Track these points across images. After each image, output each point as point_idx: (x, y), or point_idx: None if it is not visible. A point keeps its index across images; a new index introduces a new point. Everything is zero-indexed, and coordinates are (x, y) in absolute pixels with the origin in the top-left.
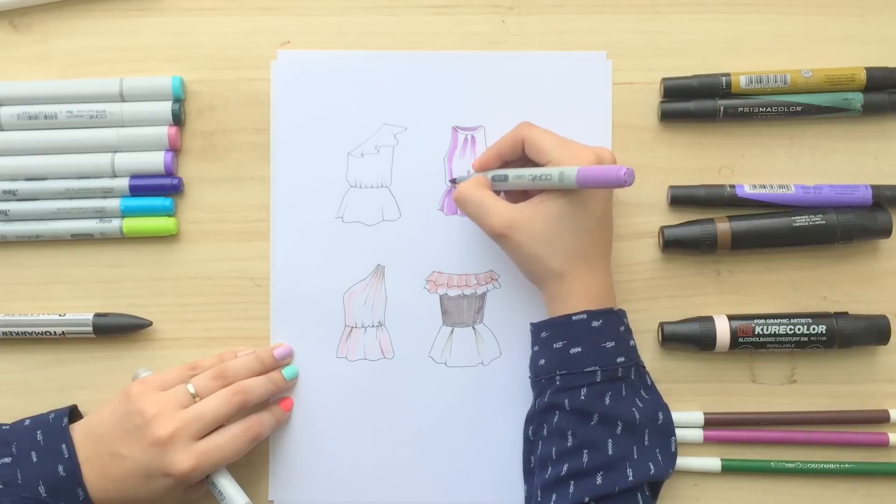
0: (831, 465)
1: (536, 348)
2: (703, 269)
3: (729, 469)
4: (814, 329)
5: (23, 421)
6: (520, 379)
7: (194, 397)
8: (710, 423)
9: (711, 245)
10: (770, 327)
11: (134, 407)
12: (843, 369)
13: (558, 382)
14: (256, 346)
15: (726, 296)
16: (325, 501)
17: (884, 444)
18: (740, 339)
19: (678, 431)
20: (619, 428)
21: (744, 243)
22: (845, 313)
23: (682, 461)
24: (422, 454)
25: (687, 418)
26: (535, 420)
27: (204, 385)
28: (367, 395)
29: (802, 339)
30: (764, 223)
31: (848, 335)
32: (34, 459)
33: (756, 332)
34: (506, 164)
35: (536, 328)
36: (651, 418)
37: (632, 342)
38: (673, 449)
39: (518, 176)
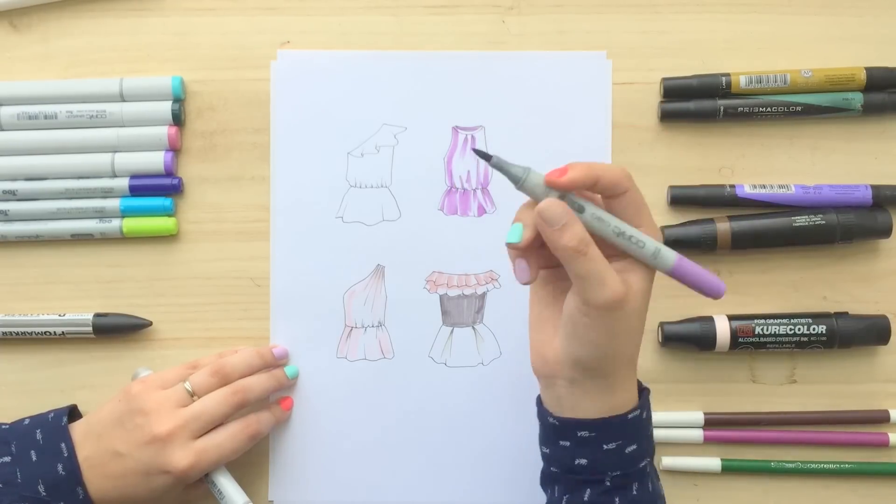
0: (831, 465)
1: (567, 444)
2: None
3: (729, 469)
4: (814, 329)
5: (22, 420)
6: (519, 379)
7: (192, 395)
8: (710, 423)
9: (711, 245)
10: (770, 327)
11: (133, 406)
12: (843, 369)
13: (608, 483)
14: (256, 346)
15: (726, 296)
16: (325, 501)
17: (884, 444)
18: (740, 339)
19: (678, 432)
20: None
21: (744, 243)
22: (845, 313)
23: (682, 461)
24: (422, 454)
25: (687, 418)
26: None
27: (201, 382)
28: (367, 395)
29: (802, 339)
30: (764, 223)
31: (848, 335)
32: (33, 458)
33: (756, 332)
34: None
35: (569, 425)
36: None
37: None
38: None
39: (599, 219)
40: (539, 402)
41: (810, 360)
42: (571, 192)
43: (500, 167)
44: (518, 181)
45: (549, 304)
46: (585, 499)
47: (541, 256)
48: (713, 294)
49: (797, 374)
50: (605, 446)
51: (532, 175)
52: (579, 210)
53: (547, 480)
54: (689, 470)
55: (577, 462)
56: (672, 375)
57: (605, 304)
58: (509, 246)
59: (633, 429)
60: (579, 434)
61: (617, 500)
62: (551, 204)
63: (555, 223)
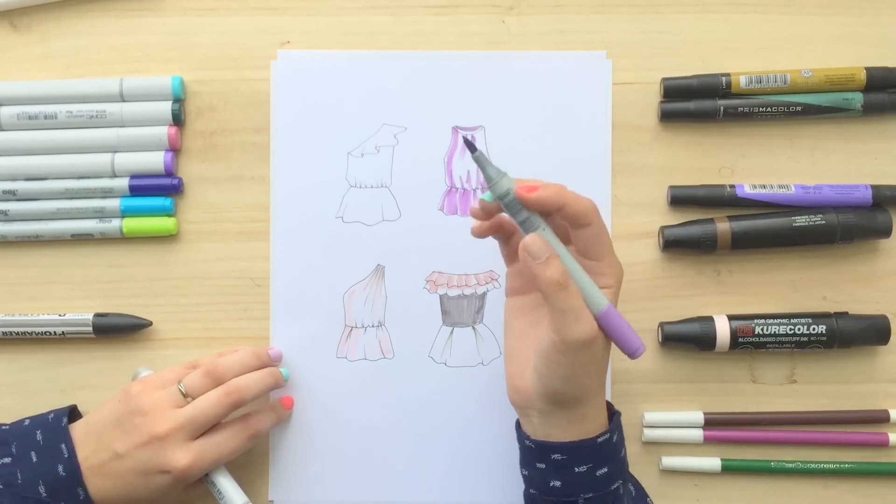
0: (831, 465)
1: (542, 466)
2: (703, 269)
3: (729, 469)
4: (814, 329)
5: (22, 421)
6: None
7: (185, 396)
8: (710, 423)
9: (711, 245)
10: (770, 327)
11: (132, 406)
12: (843, 369)
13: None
14: (256, 346)
15: (726, 296)
16: (325, 501)
17: (884, 444)
18: (740, 339)
19: (678, 432)
20: None
21: (744, 243)
22: (845, 313)
23: (682, 461)
24: (421, 454)
25: (687, 418)
26: None
27: (194, 383)
28: (367, 395)
29: (802, 339)
30: (764, 223)
31: (848, 335)
32: (34, 459)
33: (756, 332)
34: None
35: (542, 448)
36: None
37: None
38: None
39: (560, 250)
40: (517, 425)
41: (810, 360)
42: (536, 211)
43: (480, 163)
44: (490, 181)
45: (520, 336)
46: None
47: (515, 280)
48: (629, 352)
49: (797, 374)
50: (576, 469)
51: (504, 180)
52: (534, 227)
53: (528, 502)
54: (689, 470)
55: (551, 484)
56: (672, 375)
57: (579, 339)
58: (481, 203)
59: (603, 452)
60: (552, 457)
61: None
62: (535, 239)
63: (538, 257)
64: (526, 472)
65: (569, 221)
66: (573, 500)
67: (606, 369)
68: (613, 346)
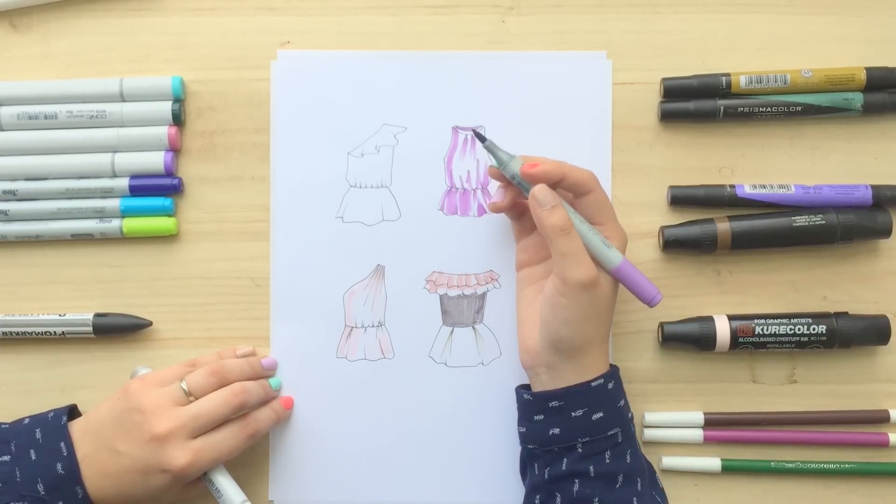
0: (831, 465)
1: (541, 417)
2: (703, 269)
3: (729, 469)
4: (814, 329)
5: (22, 420)
6: (519, 379)
7: (188, 395)
8: (710, 423)
9: (711, 245)
10: (770, 327)
11: (132, 403)
12: (843, 369)
13: (580, 450)
14: (256, 345)
15: (726, 296)
16: (325, 501)
17: (884, 444)
18: (740, 339)
19: (678, 432)
20: (640, 483)
21: (744, 243)
22: (845, 313)
23: (682, 461)
24: (422, 454)
25: (687, 418)
26: (544, 489)
27: (198, 383)
28: (367, 395)
29: (802, 339)
30: (764, 223)
31: (848, 335)
32: (33, 458)
33: (756, 332)
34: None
35: (539, 398)
36: (647, 467)
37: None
38: (661, 485)
39: (571, 213)
40: (517, 389)
41: (810, 360)
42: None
43: (491, 150)
44: (502, 164)
45: (530, 303)
46: (563, 468)
47: (524, 254)
48: (647, 300)
49: (797, 374)
50: (573, 413)
51: (514, 162)
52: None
53: (527, 463)
54: (689, 470)
55: (550, 433)
56: (672, 375)
57: (580, 281)
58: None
59: (597, 396)
60: (550, 405)
61: (591, 467)
62: (542, 188)
63: (545, 204)
64: (524, 429)
65: (572, 191)
66: (572, 445)
67: (608, 320)
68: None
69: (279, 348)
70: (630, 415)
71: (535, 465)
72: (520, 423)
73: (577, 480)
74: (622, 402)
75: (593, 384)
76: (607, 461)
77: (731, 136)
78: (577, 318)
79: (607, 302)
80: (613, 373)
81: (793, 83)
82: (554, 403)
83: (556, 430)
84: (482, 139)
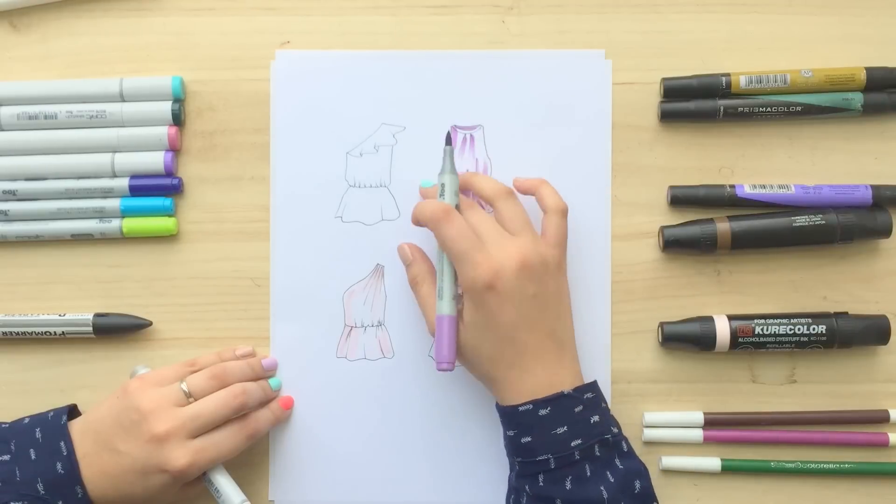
0: (831, 465)
1: (501, 426)
2: (703, 269)
3: (729, 469)
4: (814, 329)
5: (22, 419)
6: None
7: (188, 397)
8: (710, 423)
9: (711, 245)
10: (770, 327)
11: (130, 403)
12: (843, 369)
13: (517, 468)
14: (256, 345)
15: (726, 296)
16: (325, 501)
17: (884, 444)
18: (740, 339)
19: (678, 432)
20: None
21: (744, 243)
22: (845, 313)
23: (682, 461)
24: (422, 454)
25: (687, 418)
26: (513, 493)
27: (199, 385)
28: (367, 394)
29: (802, 339)
30: (764, 223)
31: (848, 335)
32: (33, 457)
33: (756, 332)
34: None
35: (497, 409)
36: (625, 489)
37: (594, 418)
38: None
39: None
40: None
41: (810, 360)
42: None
43: (449, 155)
44: (442, 171)
45: None
46: (513, 480)
47: None
48: (436, 359)
49: (797, 373)
50: (507, 432)
51: (451, 177)
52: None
53: None
54: (689, 470)
55: (503, 441)
56: (672, 375)
57: (477, 279)
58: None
59: (524, 421)
60: (500, 418)
61: (527, 486)
62: (402, 247)
63: (403, 261)
64: None
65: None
66: (512, 461)
67: (483, 359)
68: None
69: (279, 348)
70: (576, 442)
71: (509, 466)
72: None
73: (523, 493)
74: (561, 430)
75: (520, 409)
76: (541, 484)
77: (731, 136)
78: (485, 335)
79: (472, 341)
80: (553, 399)
81: (793, 83)
82: (500, 418)
83: (503, 442)
84: (447, 141)
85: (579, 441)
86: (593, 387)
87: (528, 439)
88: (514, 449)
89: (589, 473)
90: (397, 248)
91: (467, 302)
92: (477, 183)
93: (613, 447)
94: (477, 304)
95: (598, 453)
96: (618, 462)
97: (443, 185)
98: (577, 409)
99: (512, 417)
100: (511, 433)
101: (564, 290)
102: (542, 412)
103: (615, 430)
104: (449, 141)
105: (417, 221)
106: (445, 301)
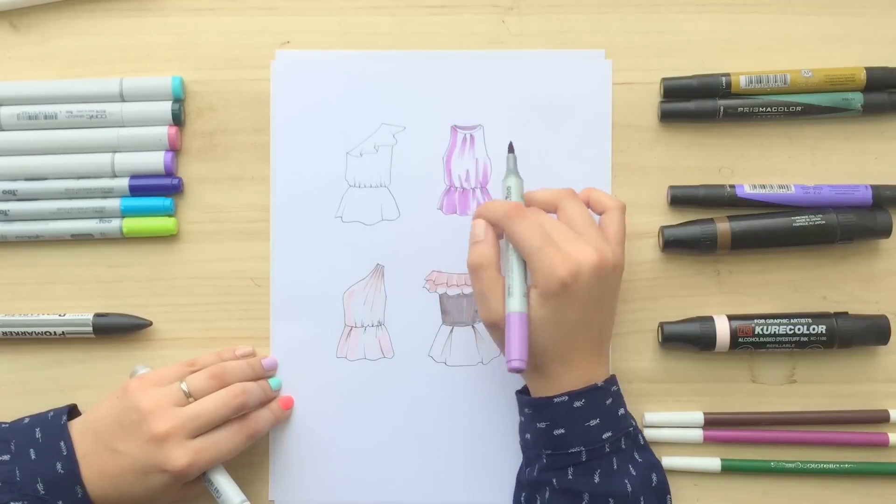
0: (831, 465)
1: (522, 419)
2: (703, 269)
3: (729, 469)
4: (814, 329)
5: (22, 419)
6: (520, 379)
7: (188, 397)
8: (710, 423)
9: (711, 245)
10: (770, 327)
11: (130, 403)
12: (843, 369)
13: (545, 461)
14: (256, 345)
15: (726, 296)
16: (325, 501)
17: (884, 444)
18: (740, 339)
19: (678, 432)
20: None
21: (744, 243)
22: (845, 313)
23: (682, 461)
24: (422, 454)
25: (687, 418)
26: (527, 489)
27: (199, 384)
28: (367, 394)
29: (802, 339)
30: (764, 223)
31: (848, 335)
32: (33, 457)
33: (756, 332)
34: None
35: (521, 402)
36: (644, 483)
37: (621, 411)
38: None
39: (508, 251)
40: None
41: (810, 360)
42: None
43: (509, 164)
44: (506, 176)
45: None
46: (535, 474)
47: None
48: (507, 358)
49: (797, 374)
50: (538, 424)
51: (514, 179)
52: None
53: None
54: (689, 470)
55: (525, 436)
56: (672, 375)
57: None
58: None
59: (558, 413)
60: (525, 410)
61: (554, 480)
62: (478, 223)
63: (471, 238)
64: (520, 420)
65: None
66: (538, 454)
67: (534, 350)
68: None
69: (279, 348)
70: (608, 434)
71: (524, 462)
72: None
73: (546, 488)
74: (594, 422)
75: (555, 400)
76: (570, 477)
77: (731, 136)
78: (501, 345)
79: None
80: (587, 391)
81: (793, 83)
82: (527, 410)
83: (528, 436)
84: (510, 149)
85: (609, 434)
86: (616, 380)
87: (562, 431)
88: (544, 441)
89: (616, 466)
90: (472, 222)
91: (535, 297)
92: (534, 194)
93: (634, 440)
94: (546, 299)
95: (623, 446)
96: (636, 455)
97: (508, 188)
98: (607, 402)
99: (545, 409)
100: (542, 425)
101: (619, 289)
102: (577, 404)
103: (633, 422)
104: (511, 149)
105: (486, 218)
106: (516, 298)
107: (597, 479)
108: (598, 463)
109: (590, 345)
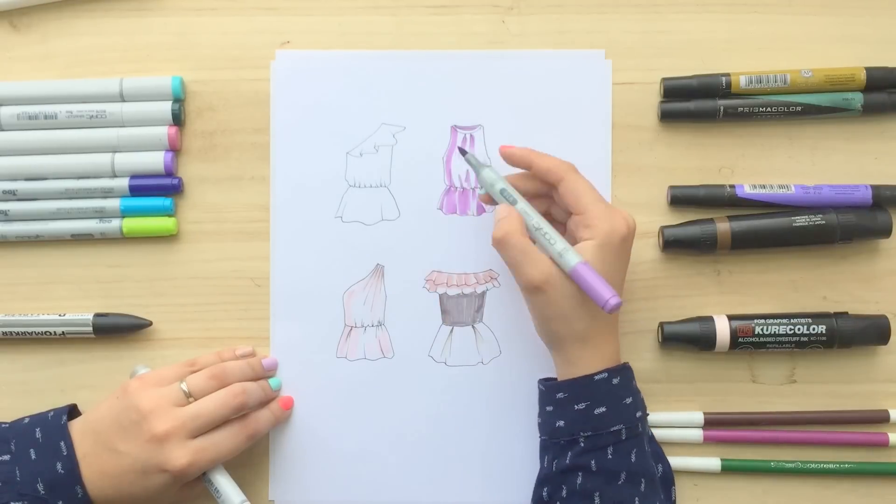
0: (831, 465)
1: (550, 408)
2: (703, 269)
3: (729, 469)
4: (814, 329)
5: (22, 419)
6: (520, 378)
7: (188, 397)
8: (710, 423)
9: (711, 245)
10: (770, 327)
11: (130, 403)
12: (843, 369)
13: (582, 444)
14: (256, 345)
15: (726, 296)
16: (325, 501)
17: (884, 444)
18: (740, 339)
19: (678, 432)
20: (643, 484)
21: (744, 243)
22: (845, 313)
23: (682, 461)
24: (422, 454)
25: (687, 418)
26: (552, 482)
27: (199, 385)
28: (367, 394)
29: (802, 339)
30: (764, 223)
31: (848, 335)
32: (33, 457)
33: (756, 332)
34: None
35: (550, 389)
36: (655, 470)
37: (640, 393)
38: (673, 498)
39: (525, 212)
40: (539, 380)
41: (810, 360)
42: (508, 181)
43: (470, 162)
44: (477, 172)
45: None
46: (567, 461)
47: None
48: (601, 303)
49: (797, 374)
50: (576, 406)
51: (486, 171)
52: (512, 202)
53: (541, 454)
54: (688, 470)
55: (556, 424)
56: (672, 375)
57: (524, 287)
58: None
59: (600, 391)
60: (557, 396)
61: (593, 462)
62: (503, 206)
63: (496, 216)
64: (540, 420)
65: (543, 180)
66: (575, 439)
67: (572, 320)
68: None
69: (279, 348)
70: (639, 414)
71: (546, 458)
72: (538, 416)
73: (580, 473)
74: (629, 400)
75: (596, 378)
76: (609, 457)
77: (731, 136)
78: (539, 318)
79: (563, 300)
80: (620, 369)
81: (793, 83)
82: (560, 395)
83: (561, 423)
84: (462, 152)
85: (639, 413)
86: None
87: (604, 409)
88: (583, 423)
89: (646, 448)
90: (500, 193)
91: (590, 248)
92: (537, 159)
93: (647, 426)
94: (603, 252)
95: (644, 429)
96: (647, 445)
97: (492, 179)
98: (633, 381)
99: (585, 388)
100: (582, 406)
101: None
102: (615, 381)
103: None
104: (464, 152)
105: (541, 166)
106: (570, 251)
107: (633, 458)
108: (634, 442)
109: (614, 317)
